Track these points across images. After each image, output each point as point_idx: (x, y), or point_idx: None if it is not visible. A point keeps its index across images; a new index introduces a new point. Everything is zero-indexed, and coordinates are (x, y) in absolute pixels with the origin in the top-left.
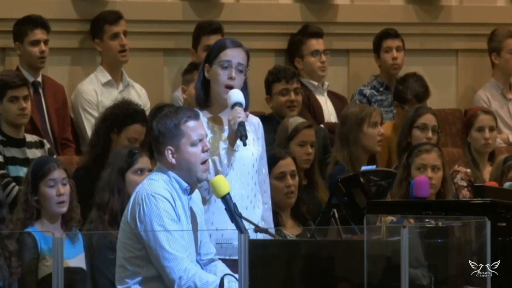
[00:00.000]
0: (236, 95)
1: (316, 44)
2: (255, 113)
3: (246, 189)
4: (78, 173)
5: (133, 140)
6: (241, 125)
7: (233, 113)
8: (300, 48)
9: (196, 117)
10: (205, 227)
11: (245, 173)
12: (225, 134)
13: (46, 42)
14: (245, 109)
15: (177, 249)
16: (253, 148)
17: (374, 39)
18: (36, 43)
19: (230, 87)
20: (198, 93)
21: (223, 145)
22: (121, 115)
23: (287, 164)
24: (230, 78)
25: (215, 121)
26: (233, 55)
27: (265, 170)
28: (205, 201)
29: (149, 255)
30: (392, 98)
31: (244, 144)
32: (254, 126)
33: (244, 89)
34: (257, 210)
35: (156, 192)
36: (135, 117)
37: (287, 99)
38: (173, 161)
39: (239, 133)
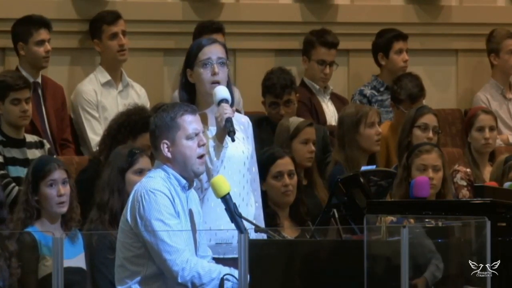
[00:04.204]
0: (222, 91)
1: (325, 54)
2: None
3: (237, 187)
4: (85, 173)
5: (146, 147)
6: (229, 120)
7: (219, 110)
8: (309, 50)
9: (193, 111)
10: (202, 227)
11: (236, 172)
12: (210, 133)
13: (49, 41)
14: (231, 105)
15: (177, 242)
16: (243, 146)
17: (382, 38)
18: (41, 43)
19: (216, 83)
20: (181, 98)
21: (211, 143)
22: (140, 122)
23: (284, 164)
24: (214, 74)
25: (201, 116)
26: (211, 51)
27: (255, 168)
28: (201, 190)
29: (150, 252)
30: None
31: (233, 140)
32: (243, 125)
33: (228, 84)
34: (250, 208)
35: (154, 188)
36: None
37: (277, 111)
38: (169, 155)
39: (227, 129)
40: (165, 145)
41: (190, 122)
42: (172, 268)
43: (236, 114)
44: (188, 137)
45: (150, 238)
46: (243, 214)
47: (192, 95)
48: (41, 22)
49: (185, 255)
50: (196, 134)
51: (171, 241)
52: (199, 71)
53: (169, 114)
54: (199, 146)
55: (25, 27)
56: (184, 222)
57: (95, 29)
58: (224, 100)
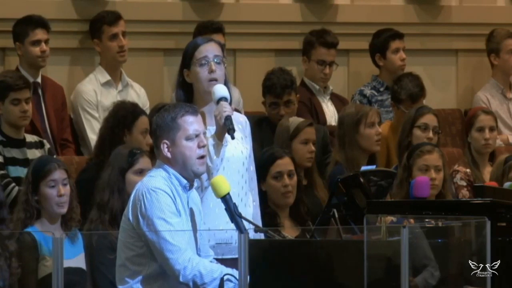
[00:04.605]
0: (220, 90)
1: (325, 54)
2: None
3: (236, 188)
4: (86, 173)
5: (144, 131)
6: (228, 118)
7: (219, 108)
8: (309, 50)
9: (194, 112)
10: (203, 227)
11: (235, 172)
12: (209, 132)
13: (46, 41)
14: (229, 103)
15: (179, 241)
16: (242, 146)
17: (378, 38)
18: (37, 43)
19: (214, 80)
20: (179, 99)
21: (211, 141)
22: (129, 113)
23: (284, 164)
24: (211, 71)
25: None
26: (207, 49)
27: (252, 167)
28: (202, 189)
29: (152, 250)
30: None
31: (232, 138)
32: (241, 124)
33: (226, 82)
34: (248, 208)
35: (156, 187)
36: (137, 111)
37: (277, 112)
38: (169, 155)
39: (226, 127)
40: (165, 145)
41: (190, 122)
42: (174, 267)
43: (234, 113)
44: (188, 138)
45: (152, 237)
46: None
47: (189, 95)
48: (37, 22)
49: (187, 254)
50: (197, 135)
51: (173, 240)
52: (196, 70)
53: (170, 114)
54: (199, 147)
55: (22, 27)
56: (186, 222)
57: (95, 29)
58: (223, 98)
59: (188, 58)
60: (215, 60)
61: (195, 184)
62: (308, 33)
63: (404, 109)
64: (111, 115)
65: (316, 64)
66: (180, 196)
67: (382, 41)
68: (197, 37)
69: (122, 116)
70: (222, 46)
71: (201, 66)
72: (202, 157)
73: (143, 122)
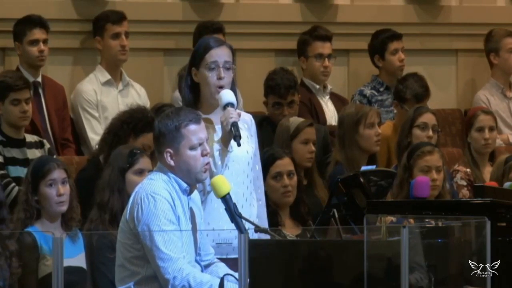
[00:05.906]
0: (227, 95)
1: (321, 47)
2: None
3: (241, 188)
4: (85, 172)
5: (147, 147)
6: (234, 125)
7: (225, 114)
8: (305, 48)
9: (198, 120)
10: (204, 227)
11: (240, 172)
12: (216, 136)
13: (45, 41)
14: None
15: (172, 250)
16: (247, 146)
17: (377, 40)
18: (34, 42)
19: (221, 87)
20: (186, 97)
21: (217, 147)
22: (143, 120)
23: (284, 164)
24: (220, 78)
25: (206, 121)
26: (218, 54)
27: (258, 166)
28: (204, 193)
29: (147, 255)
30: (392, 98)
31: (239, 145)
32: (247, 123)
33: (232, 86)
34: (253, 208)
35: (155, 192)
36: (151, 126)
37: (280, 112)
38: (172, 163)
39: (232, 134)
40: (168, 154)
41: (194, 132)
42: (164, 276)
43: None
44: (192, 147)
45: (146, 243)
46: (247, 215)
47: (197, 95)
48: (36, 22)
49: (178, 264)
50: (200, 144)
51: (165, 249)
52: (205, 74)
53: (173, 123)
54: (203, 155)
55: (21, 27)
56: (185, 224)
57: (98, 27)
58: (229, 104)
59: (198, 58)
60: (225, 66)
61: (197, 187)
62: (301, 34)
63: (408, 109)
64: (128, 112)
65: (315, 59)
66: (180, 198)
67: (380, 42)
68: (209, 37)
69: (136, 118)
70: (233, 50)
71: (210, 70)
72: (205, 164)
73: (150, 140)
